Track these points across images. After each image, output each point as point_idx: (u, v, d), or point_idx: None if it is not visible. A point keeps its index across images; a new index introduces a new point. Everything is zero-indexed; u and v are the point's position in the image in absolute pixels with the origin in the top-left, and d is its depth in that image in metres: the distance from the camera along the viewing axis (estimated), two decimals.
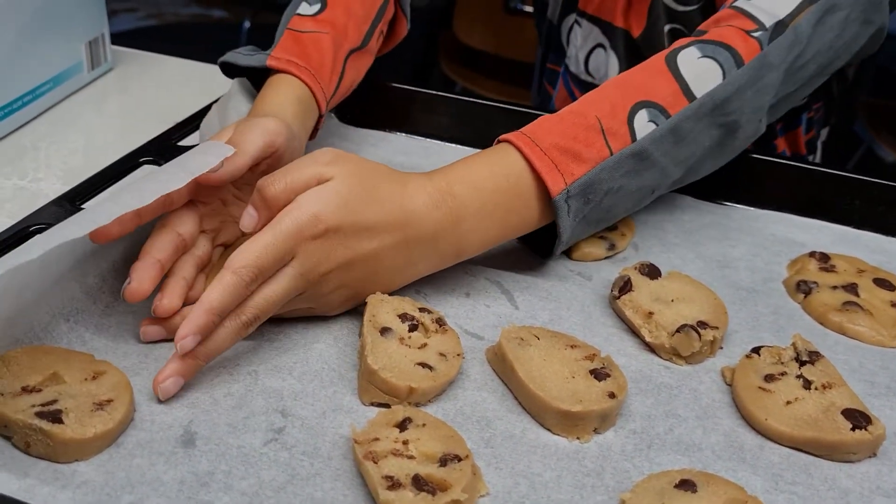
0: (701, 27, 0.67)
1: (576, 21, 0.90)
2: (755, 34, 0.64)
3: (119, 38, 0.90)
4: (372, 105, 0.83)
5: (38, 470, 0.46)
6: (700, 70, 0.62)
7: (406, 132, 0.82)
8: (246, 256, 0.51)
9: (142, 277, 0.53)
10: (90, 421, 0.47)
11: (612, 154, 0.59)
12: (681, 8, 0.81)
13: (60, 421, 0.46)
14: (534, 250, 0.65)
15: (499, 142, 0.61)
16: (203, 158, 0.56)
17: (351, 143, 0.80)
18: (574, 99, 0.72)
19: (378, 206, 0.55)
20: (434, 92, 0.82)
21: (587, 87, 0.90)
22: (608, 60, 0.86)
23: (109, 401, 0.48)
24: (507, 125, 0.63)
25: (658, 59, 0.64)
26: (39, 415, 0.46)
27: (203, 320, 0.50)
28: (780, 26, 0.64)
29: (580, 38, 0.89)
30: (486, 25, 1.64)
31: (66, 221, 0.51)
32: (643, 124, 0.60)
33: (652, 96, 0.61)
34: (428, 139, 0.81)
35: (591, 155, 0.59)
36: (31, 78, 0.78)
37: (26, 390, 0.48)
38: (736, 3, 0.66)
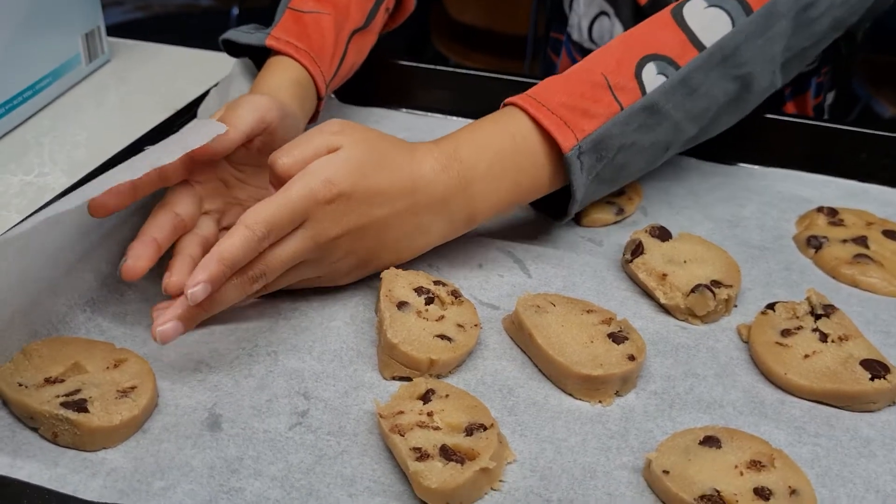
0: None
1: None
2: None
3: (109, 32, 0.89)
4: (372, 82, 0.82)
5: (67, 459, 0.46)
6: (707, 19, 0.61)
7: (408, 108, 0.82)
8: (259, 213, 0.51)
9: (138, 255, 0.53)
10: (116, 408, 0.47)
11: (622, 109, 0.59)
12: None
13: (86, 410, 0.46)
14: (547, 214, 0.65)
15: (504, 106, 0.61)
16: (195, 135, 0.56)
17: (354, 120, 0.79)
18: None
19: (388, 173, 0.55)
20: (434, 66, 0.82)
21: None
22: (613, 28, 0.85)
23: (133, 388, 0.48)
24: (509, 96, 0.63)
25: (663, 13, 0.63)
26: (65, 405, 0.46)
27: (214, 269, 0.49)
28: None
29: (582, 6, 0.88)
30: (477, 0, 1.63)
31: (61, 199, 0.51)
32: (652, 77, 0.60)
33: (659, 49, 0.61)
34: (430, 114, 0.81)
35: (601, 110, 0.59)
36: (30, 73, 0.77)
37: (49, 381, 0.48)
38: None
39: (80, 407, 0.46)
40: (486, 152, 0.58)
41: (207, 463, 0.45)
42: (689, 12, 0.62)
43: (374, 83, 0.82)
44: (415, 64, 0.82)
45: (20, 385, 0.48)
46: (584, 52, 0.90)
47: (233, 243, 0.50)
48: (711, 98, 0.62)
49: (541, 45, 1.00)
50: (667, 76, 0.60)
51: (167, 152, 0.53)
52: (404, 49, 0.81)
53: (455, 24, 1.64)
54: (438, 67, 0.82)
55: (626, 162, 0.61)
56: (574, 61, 0.91)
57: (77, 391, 0.48)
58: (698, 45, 0.61)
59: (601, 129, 0.58)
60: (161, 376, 0.51)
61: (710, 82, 0.62)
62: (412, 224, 0.57)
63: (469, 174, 0.57)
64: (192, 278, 0.49)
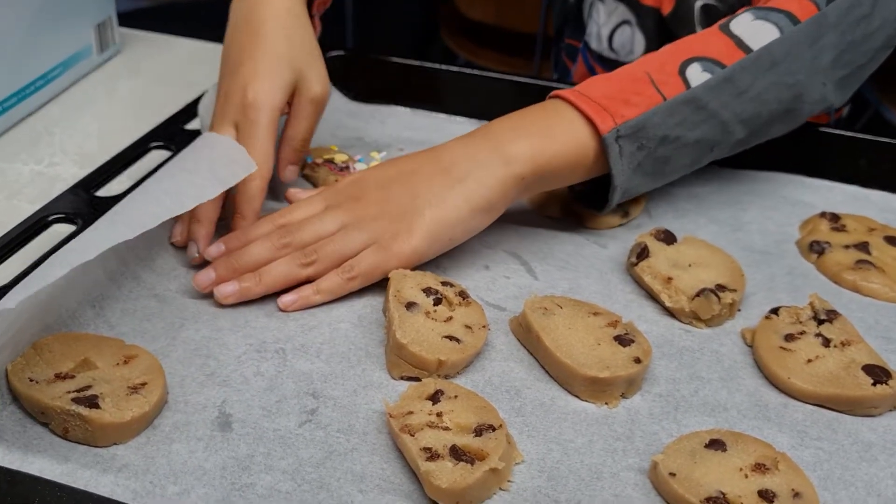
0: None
1: None
2: None
3: (119, 21, 0.89)
4: (379, 80, 0.82)
5: (78, 454, 0.46)
6: (754, 28, 0.63)
7: (413, 107, 0.82)
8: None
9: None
10: (127, 405, 0.47)
11: (664, 100, 0.60)
12: None
13: (97, 406, 0.47)
14: (591, 207, 0.65)
15: (549, 98, 0.62)
16: (230, 168, 0.59)
17: (358, 119, 0.80)
18: (594, 74, 0.73)
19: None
20: (443, 66, 0.82)
21: (610, 64, 0.90)
22: (634, 37, 0.86)
23: (144, 384, 0.49)
24: (521, 98, 0.63)
25: (711, 28, 0.65)
26: (76, 400, 0.47)
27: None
28: None
29: (603, 15, 0.88)
30: None
31: (101, 225, 0.53)
32: (697, 74, 0.61)
33: (704, 52, 0.62)
34: (435, 114, 0.81)
35: (642, 101, 0.60)
36: (41, 62, 0.78)
37: (60, 377, 0.49)
38: None
39: (92, 403, 0.47)
40: (515, 117, 0.61)
41: (219, 464, 0.46)
42: (735, 24, 0.64)
43: (380, 81, 0.82)
44: (423, 64, 0.83)
45: (31, 380, 0.48)
46: (604, 60, 0.91)
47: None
48: (762, 103, 0.63)
49: (550, 46, 1.00)
50: (712, 74, 0.61)
51: (209, 185, 0.57)
52: (412, 44, 0.81)
53: (464, 20, 1.64)
54: (447, 67, 0.82)
55: (670, 156, 0.62)
56: (592, 70, 0.91)
57: (88, 387, 0.48)
58: (745, 48, 0.62)
59: (641, 117, 0.59)
60: (170, 372, 0.51)
61: (760, 87, 0.63)
62: (441, 179, 0.58)
63: (492, 130, 0.60)
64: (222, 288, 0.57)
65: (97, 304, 0.55)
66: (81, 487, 0.44)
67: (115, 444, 0.47)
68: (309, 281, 0.57)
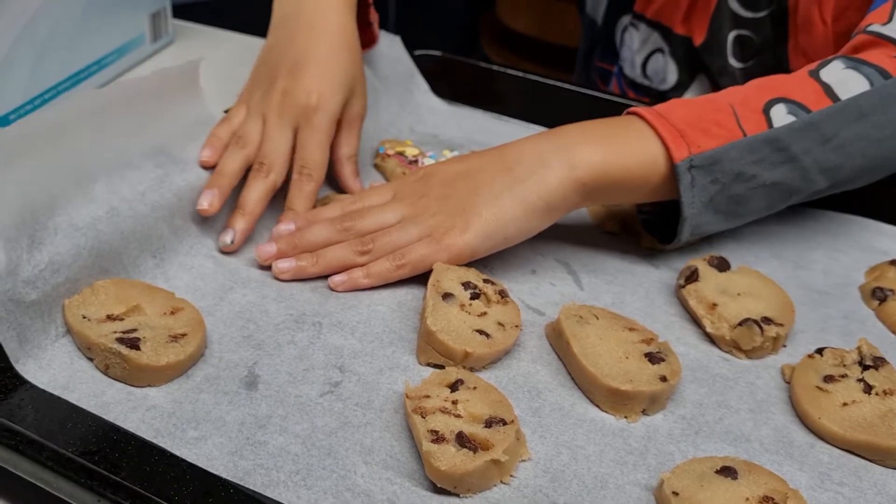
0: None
1: (631, 23, 0.89)
2: None
3: (175, 14, 0.90)
4: (463, 83, 0.84)
5: (115, 391, 0.49)
6: (844, 78, 0.61)
7: (493, 112, 0.83)
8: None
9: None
10: (164, 350, 0.50)
11: (744, 135, 0.59)
12: (748, 14, 0.79)
13: (137, 347, 0.49)
14: (660, 239, 0.64)
15: (626, 114, 0.62)
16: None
17: (437, 117, 0.81)
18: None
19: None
20: (525, 75, 0.83)
21: (643, 90, 0.89)
22: (667, 66, 0.85)
23: (184, 335, 0.51)
24: (599, 114, 0.63)
25: (800, 71, 0.63)
26: (119, 340, 0.50)
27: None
28: None
29: (637, 42, 0.88)
30: (531, 8, 1.62)
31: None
32: (781, 115, 0.60)
33: (791, 94, 0.61)
34: (514, 120, 0.82)
35: (722, 133, 0.59)
36: (95, 49, 0.79)
37: (110, 318, 0.52)
38: (870, 28, 0.65)
39: (133, 344, 0.50)
40: (589, 123, 0.61)
41: (239, 419, 0.48)
42: (826, 72, 0.62)
43: (466, 82, 0.84)
44: (511, 71, 0.84)
45: (84, 317, 0.52)
46: (637, 86, 0.90)
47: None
48: (847, 155, 0.61)
49: (589, 60, 1.00)
50: (797, 117, 0.60)
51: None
52: (451, 52, 0.82)
53: (506, 30, 1.64)
54: (531, 77, 0.83)
55: (744, 196, 0.60)
56: (624, 94, 0.91)
57: (134, 330, 0.51)
58: (833, 97, 0.61)
59: (719, 150, 0.58)
60: (212, 329, 0.54)
61: (846, 137, 0.61)
62: (504, 176, 0.59)
63: (562, 132, 0.60)
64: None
65: (158, 256, 0.58)
66: (111, 420, 0.47)
67: (149, 385, 0.50)
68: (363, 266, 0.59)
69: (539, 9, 1.62)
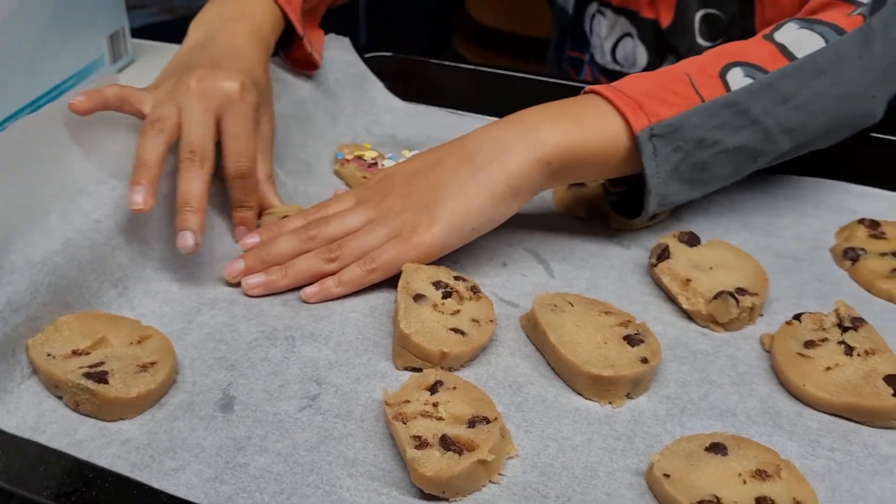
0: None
1: (598, 11, 0.89)
2: (855, 12, 0.62)
3: (135, 35, 0.89)
4: (419, 81, 0.83)
5: (86, 427, 0.48)
6: (799, 36, 0.62)
7: (450, 108, 0.82)
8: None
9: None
10: (134, 381, 0.48)
11: (703, 101, 0.59)
12: None
13: (106, 381, 0.48)
14: (627, 215, 0.64)
15: (584, 93, 0.62)
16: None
17: (394, 117, 0.80)
18: None
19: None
20: (482, 68, 0.82)
21: (615, 76, 0.89)
22: (636, 50, 0.85)
23: (153, 363, 0.50)
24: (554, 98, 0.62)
25: (754, 37, 0.63)
26: (87, 375, 0.48)
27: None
28: (880, 3, 0.63)
29: (605, 29, 0.88)
30: (500, 2, 1.61)
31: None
32: (738, 78, 0.60)
33: (746, 57, 0.61)
34: (471, 114, 0.81)
35: (680, 101, 0.59)
36: (55, 73, 0.78)
37: (76, 353, 0.51)
38: None
39: (101, 378, 0.48)
40: (547, 105, 0.60)
41: (217, 443, 0.47)
42: (780, 33, 0.62)
43: (418, 79, 0.83)
44: (460, 65, 0.83)
45: (48, 355, 0.50)
46: (608, 72, 0.90)
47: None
48: (808, 114, 0.61)
49: (561, 50, 1.01)
50: (753, 79, 0.60)
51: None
52: (423, 50, 0.81)
53: (477, 26, 1.64)
54: (484, 68, 0.82)
55: (708, 162, 0.60)
56: (596, 81, 0.91)
57: (100, 363, 0.50)
58: (789, 56, 0.61)
59: (677, 117, 0.58)
60: (183, 354, 0.53)
61: (806, 96, 0.61)
62: (467, 167, 0.58)
63: (521, 116, 0.59)
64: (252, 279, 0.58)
65: (119, 285, 0.57)
66: (85, 458, 0.45)
67: (121, 419, 0.48)
68: (333, 274, 0.58)
69: (508, 2, 1.62)
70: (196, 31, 0.68)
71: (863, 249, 0.61)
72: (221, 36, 0.66)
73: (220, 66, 0.62)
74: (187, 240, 0.56)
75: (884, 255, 0.61)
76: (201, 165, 0.58)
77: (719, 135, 0.59)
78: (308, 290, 0.57)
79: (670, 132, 0.58)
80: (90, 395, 0.48)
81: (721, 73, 0.60)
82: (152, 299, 0.57)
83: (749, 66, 0.60)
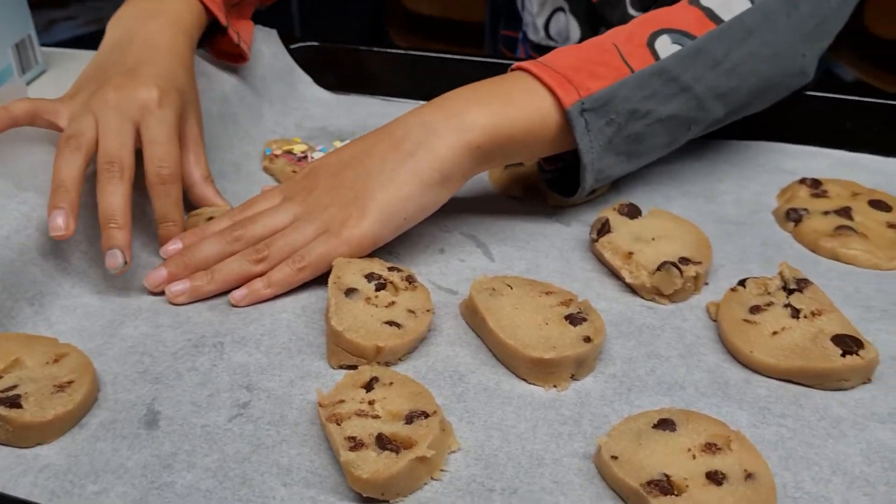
0: None
1: None
2: None
3: (63, 46, 0.85)
4: (349, 70, 0.81)
5: (1, 456, 0.45)
6: (725, 0, 0.60)
7: (383, 96, 0.80)
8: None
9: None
10: (50, 403, 0.45)
11: (632, 72, 0.57)
12: None
13: (19, 405, 0.45)
14: (564, 194, 0.62)
15: (511, 71, 0.60)
16: None
17: (324, 109, 0.78)
18: None
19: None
20: (414, 52, 0.80)
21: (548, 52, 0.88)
22: (569, 24, 0.83)
23: (70, 382, 0.47)
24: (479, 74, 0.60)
25: (680, 2, 0.62)
26: None
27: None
28: None
29: (536, 5, 0.86)
30: None
31: None
32: (666, 46, 0.58)
33: (673, 24, 0.59)
34: (405, 100, 0.79)
35: (609, 73, 0.57)
36: None
37: None
38: None
39: (14, 403, 0.45)
40: (473, 86, 0.58)
41: (141, 463, 0.44)
42: None
43: (348, 69, 0.81)
44: (391, 50, 0.81)
45: None
46: (542, 48, 0.89)
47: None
48: (740, 77, 0.60)
49: (496, 31, 0.99)
50: (682, 45, 0.58)
51: None
52: (360, 41, 0.79)
53: (411, 15, 1.62)
54: (415, 53, 0.80)
55: (643, 133, 0.59)
56: (530, 58, 0.89)
57: (13, 387, 0.46)
58: (716, 19, 0.59)
59: (607, 89, 0.56)
60: (104, 369, 0.50)
61: (736, 59, 0.59)
62: (395, 155, 0.55)
63: (447, 100, 0.57)
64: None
65: (35, 302, 0.54)
66: None
67: (39, 444, 0.45)
68: (262, 274, 0.56)
69: None
70: (113, 31, 0.65)
71: (805, 209, 0.60)
72: (139, 35, 0.63)
73: (137, 73, 0.59)
74: (117, 258, 0.53)
75: (827, 213, 0.60)
76: (121, 176, 0.54)
77: (651, 105, 0.58)
78: (236, 294, 0.55)
79: (601, 105, 0.56)
80: (3, 422, 0.45)
81: (649, 41, 0.59)
82: (71, 314, 0.54)
83: (677, 33, 0.59)
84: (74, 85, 0.62)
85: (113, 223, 0.53)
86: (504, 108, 0.56)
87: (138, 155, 0.57)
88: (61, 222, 0.52)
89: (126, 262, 0.53)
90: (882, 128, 0.68)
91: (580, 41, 0.85)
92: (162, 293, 0.56)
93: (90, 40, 0.66)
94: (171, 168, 0.57)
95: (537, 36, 0.88)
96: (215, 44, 0.73)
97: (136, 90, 0.58)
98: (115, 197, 0.54)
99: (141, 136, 0.57)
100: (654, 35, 0.59)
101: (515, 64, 0.59)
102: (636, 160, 0.61)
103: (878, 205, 0.61)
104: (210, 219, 0.60)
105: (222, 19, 0.69)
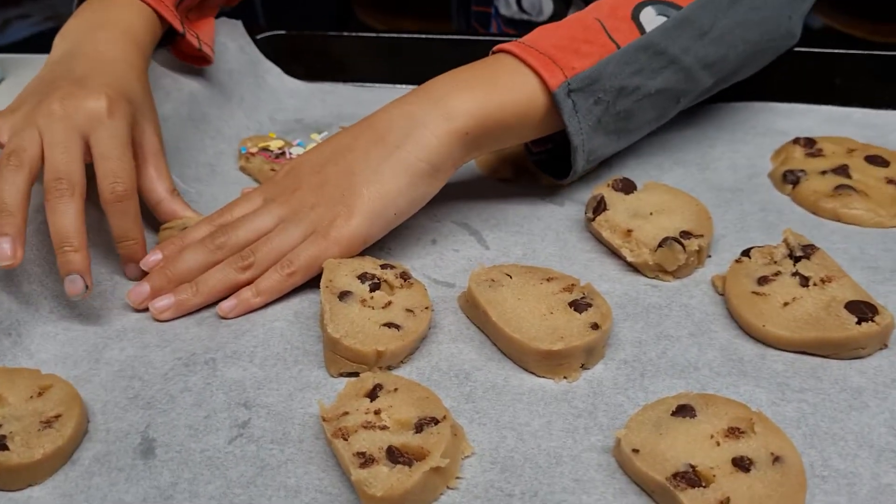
0: None
1: None
2: None
3: (18, 48, 0.82)
4: (320, 58, 0.78)
5: None
6: None
7: (357, 82, 0.77)
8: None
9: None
10: (38, 441, 0.43)
11: (618, 48, 0.55)
12: None
13: (5, 447, 0.43)
14: (556, 176, 0.60)
15: (493, 53, 0.57)
16: None
17: (298, 100, 0.75)
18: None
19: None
20: (386, 34, 0.77)
21: (523, 25, 0.85)
22: None
23: (57, 416, 0.45)
24: (473, 60, 0.58)
25: None
26: None
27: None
28: None
29: None
30: None
31: None
32: (651, 18, 0.56)
33: None
34: (380, 85, 0.76)
35: (594, 50, 0.55)
36: None
37: None
38: None
39: (0, 445, 0.43)
40: (457, 72, 0.56)
41: (140, 496, 0.42)
42: None
43: (320, 57, 0.78)
44: (362, 34, 0.78)
45: None
46: (515, 23, 0.86)
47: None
48: (728, 45, 0.58)
49: (466, 6, 0.97)
50: (667, 16, 0.56)
51: None
52: (327, 24, 0.76)
53: None
54: (389, 35, 0.77)
55: (632, 110, 0.57)
56: (505, 35, 0.86)
57: None
58: None
59: (594, 68, 0.54)
60: (92, 398, 0.47)
61: (724, 27, 0.58)
62: (375, 141, 0.53)
63: (430, 87, 0.55)
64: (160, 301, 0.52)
65: (12, 332, 0.51)
66: None
67: (30, 485, 0.43)
68: (250, 282, 0.53)
69: None
70: (60, 44, 0.61)
71: (802, 171, 0.59)
72: (87, 46, 0.59)
73: (84, 83, 0.55)
74: (76, 284, 0.49)
75: (824, 173, 0.58)
76: (71, 194, 0.50)
77: (639, 80, 0.56)
78: (225, 305, 0.52)
79: (588, 85, 0.54)
80: None
81: (633, 14, 0.56)
82: (52, 342, 0.51)
83: (661, 4, 0.57)
84: (17, 98, 0.57)
85: (67, 245, 0.50)
86: (490, 93, 0.54)
87: (89, 169, 0.53)
88: (7, 250, 0.48)
89: (87, 287, 0.50)
90: (869, 80, 0.67)
91: (553, 13, 0.82)
92: (146, 310, 0.53)
93: (48, 38, 0.62)
94: (127, 184, 0.53)
95: (510, 10, 0.86)
96: (177, 46, 0.69)
97: (84, 100, 0.54)
98: (66, 217, 0.50)
99: (91, 150, 0.53)
100: (639, 7, 0.56)
101: (498, 46, 0.57)
102: (626, 137, 0.59)
103: (875, 160, 0.59)
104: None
105: (178, 26, 0.65)
